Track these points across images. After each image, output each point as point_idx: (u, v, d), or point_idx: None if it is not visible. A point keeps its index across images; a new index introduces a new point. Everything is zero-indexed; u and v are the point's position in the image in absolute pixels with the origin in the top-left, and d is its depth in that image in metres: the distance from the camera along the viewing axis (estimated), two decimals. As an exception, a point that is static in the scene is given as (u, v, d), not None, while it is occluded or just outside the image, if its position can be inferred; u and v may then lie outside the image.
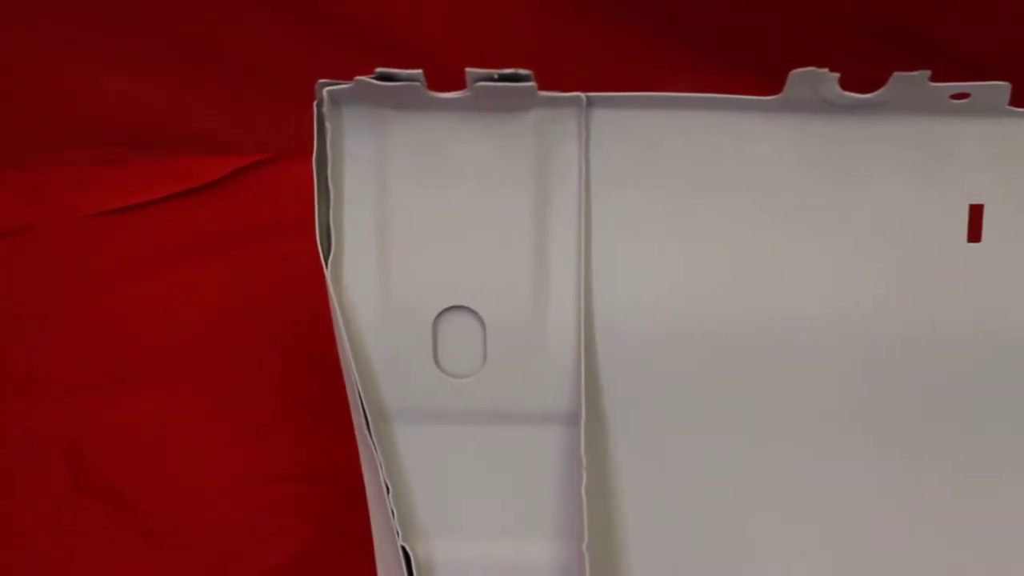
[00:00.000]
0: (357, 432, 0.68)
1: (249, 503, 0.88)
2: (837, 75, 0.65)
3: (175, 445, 0.89)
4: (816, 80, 0.65)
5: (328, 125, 0.67)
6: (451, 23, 0.87)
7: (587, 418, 0.68)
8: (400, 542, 0.68)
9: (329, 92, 0.66)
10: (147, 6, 0.88)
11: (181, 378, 0.90)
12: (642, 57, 0.86)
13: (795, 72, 0.65)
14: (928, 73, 0.64)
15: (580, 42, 0.86)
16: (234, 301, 0.90)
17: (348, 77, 0.66)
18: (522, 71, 0.65)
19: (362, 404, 0.67)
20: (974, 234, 0.69)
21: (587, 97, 0.67)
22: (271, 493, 0.88)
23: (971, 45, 0.80)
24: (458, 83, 0.66)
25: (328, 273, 0.67)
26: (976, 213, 0.69)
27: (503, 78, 0.65)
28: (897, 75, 0.65)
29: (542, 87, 0.67)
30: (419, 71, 0.65)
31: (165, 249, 0.91)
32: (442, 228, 0.69)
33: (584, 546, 0.67)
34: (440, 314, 0.69)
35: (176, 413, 0.89)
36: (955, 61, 0.79)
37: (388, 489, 0.67)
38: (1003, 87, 0.66)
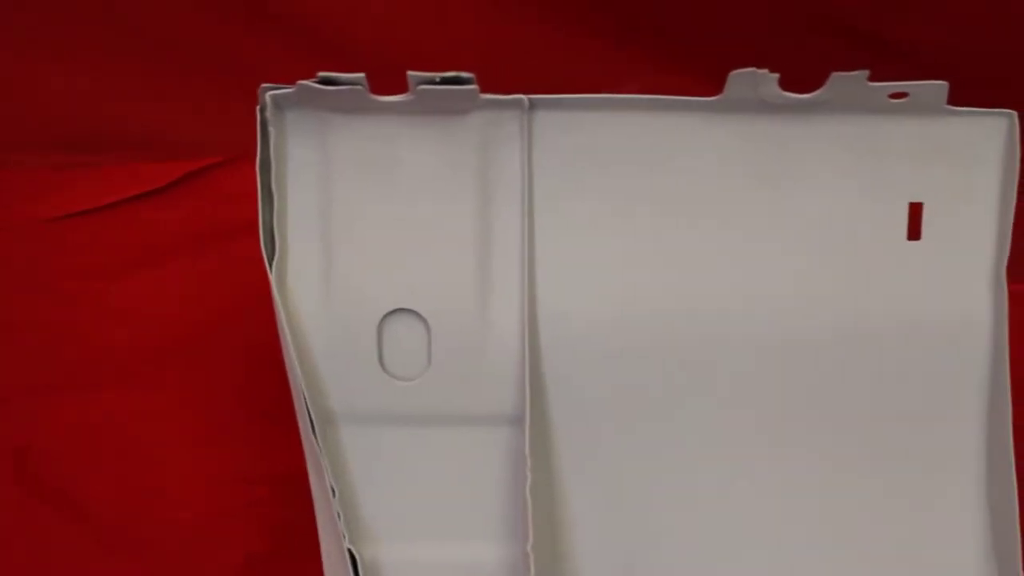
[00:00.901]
0: (303, 435, 0.68)
1: (206, 506, 0.88)
2: (776, 76, 0.66)
3: (131, 449, 0.89)
4: (755, 81, 0.65)
5: (271, 129, 0.67)
6: (403, 26, 0.87)
7: (531, 419, 0.69)
8: (346, 545, 0.68)
9: (272, 96, 0.66)
10: (101, 10, 0.88)
11: (138, 381, 0.90)
12: (591, 59, 0.86)
13: (734, 73, 0.65)
14: (866, 73, 0.65)
15: (529, 44, 0.86)
16: (191, 303, 0.90)
17: (300, 80, 0.66)
18: (464, 74, 0.65)
19: (307, 407, 0.67)
20: (914, 232, 0.70)
21: (529, 100, 0.68)
22: (228, 496, 0.88)
23: (919, 44, 0.80)
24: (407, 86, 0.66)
25: (272, 276, 0.68)
26: (915, 211, 0.70)
27: (445, 81, 0.65)
28: (835, 75, 0.65)
29: (490, 90, 0.67)
30: (361, 75, 0.65)
31: (122, 253, 0.91)
32: (386, 231, 0.69)
33: (529, 546, 0.67)
34: (385, 317, 0.70)
35: (132, 416, 0.89)
36: (904, 61, 0.79)
37: (334, 492, 0.67)
38: (941, 86, 0.66)
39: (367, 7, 0.88)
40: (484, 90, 0.67)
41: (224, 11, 0.88)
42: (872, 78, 0.65)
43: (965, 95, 0.68)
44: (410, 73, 0.65)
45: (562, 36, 0.85)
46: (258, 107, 0.67)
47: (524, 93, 0.68)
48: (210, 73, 0.89)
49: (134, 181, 0.91)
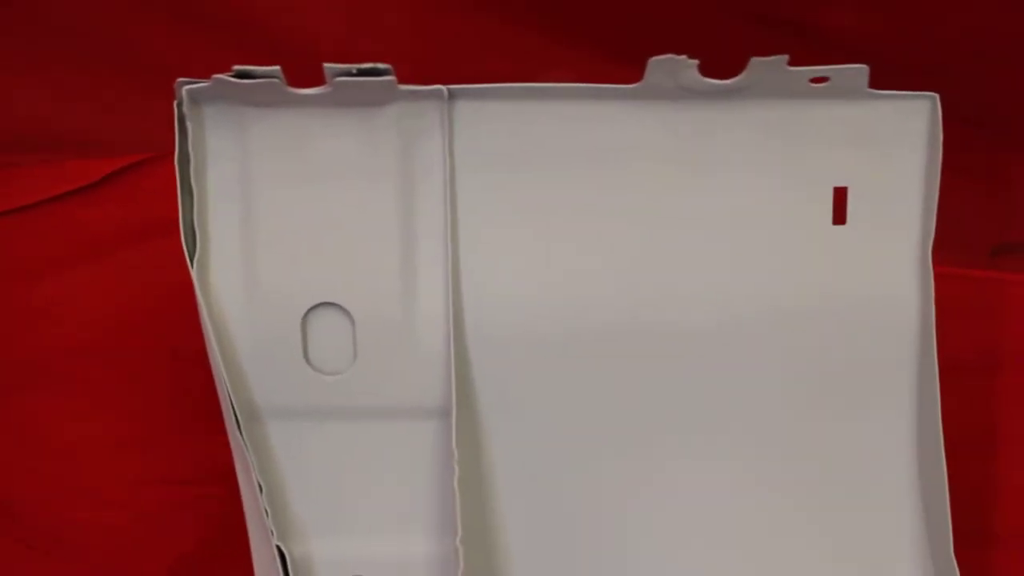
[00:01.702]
0: (229, 432, 0.68)
1: (135, 506, 0.87)
2: (696, 62, 0.65)
3: (57, 450, 0.88)
4: (675, 67, 0.65)
5: (189, 124, 0.67)
6: (329, 19, 0.86)
7: (458, 411, 0.68)
8: (275, 542, 0.67)
9: (188, 91, 0.66)
10: (25, 7, 0.87)
11: (62, 381, 0.89)
12: (515, 48, 0.86)
13: (653, 60, 0.65)
14: (785, 58, 0.65)
15: (452, 35, 0.85)
16: (117, 302, 0.88)
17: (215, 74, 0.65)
18: (381, 65, 0.65)
19: (232, 404, 0.66)
20: (839, 216, 0.70)
21: (448, 90, 0.67)
22: (161, 496, 0.87)
23: (841, 29, 0.80)
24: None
25: (194, 273, 0.67)
26: (840, 196, 0.70)
27: (362, 72, 0.65)
28: (755, 60, 0.65)
29: (420, 82, 0.67)
30: (277, 68, 0.65)
31: (48, 252, 0.90)
32: (308, 224, 0.69)
33: (458, 540, 0.67)
34: (309, 311, 0.69)
35: (57, 417, 0.88)
36: (828, 46, 0.79)
37: (261, 488, 0.67)
38: (861, 70, 0.66)
39: (298, 4, 0.88)
40: (408, 81, 0.66)
41: (148, 7, 0.87)
42: (797, 64, 0.65)
43: (888, 79, 0.68)
44: (326, 65, 0.64)
45: (485, 25, 0.84)
46: (175, 102, 0.66)
47: (448, 84, 0.68)
48: (137, 70, 0.88)
49: (60, 180, 0.89)
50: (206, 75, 0.66)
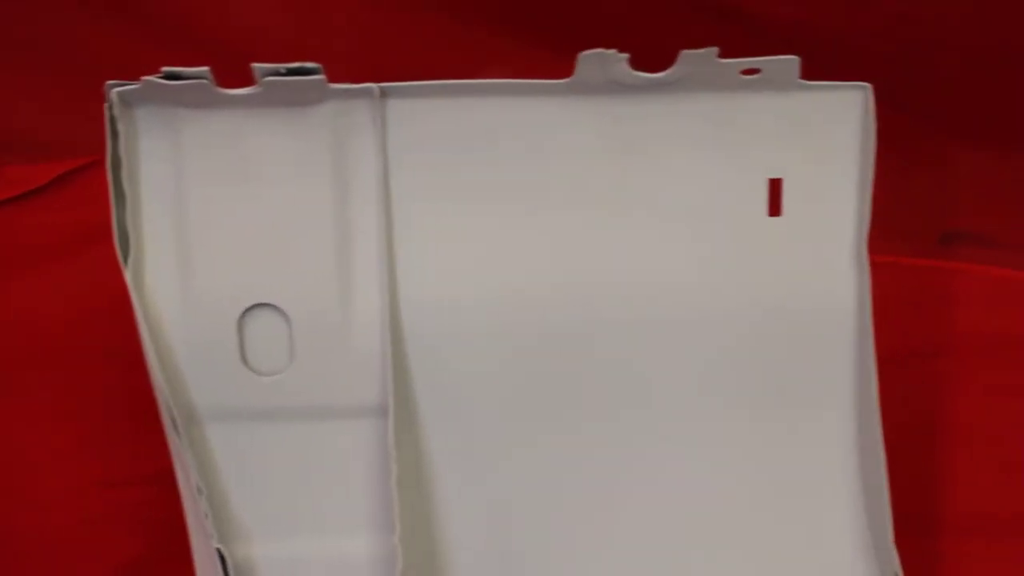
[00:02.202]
0: (167, 435, 0.68)
1: (77, 511, 0.87)
2: (626, 56, 0.65)
3: (3, 455, 0.87)
4: (605, 61, 0.65)
5: (120, 127, 0.66)
6: (274, 18, 0.86)
7: (396, 410, 0.68)
8: (215, 544, 0.67)
9: (119, 93, 0.66)
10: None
11: (4, 387, 0.88)
12: (468, 45, 0.86)
13: (583, 55, 0.65)
14: (716, 50, 0.65)
15: (404, 32, 0.85)
16: (62, 308, 0.88)
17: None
18: (310, 64, 0.65)
19: (170, 406, 0.66)
20: (774, 208, 0.70)
21: (380, 88, 0.67)
22: (104, 499, 0.87)
23: (775, 19, 0.80)
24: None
25: (128, 275, 0.67)
26: (775, 187, 0.70)
27: (291, 72, 0.65)
28: (685, 53, 0.65)
29: (367, 80, 0.66)
30: (206, 68, 0.64)
31: (-10, 258, 0.90)
32: (242, 225, 0.68)
33: (396, 538, 0.67)
34: (245, 312, 0.69)
35: (5, 422, 0.88)
36: (764, 35, 0.79)
37: (201, 491, 0.67)
38: (792, 61, 0.66)
39: (242, 4, 0.87)
40: (350, 80, 0.66)
41: (98, 8, 0.86)
42: (731, 54, 0.65)
43: (820, 69, 0.68)
44: (254, 65, 0.64)
45: (430, 22, 0.84)
46: (105, 104, 0.66)
47: (391, 81, 0.68)
48: (78, 71, 0.87)
49: (6, 184, 0.89)
50: (147, 76, 0.66)
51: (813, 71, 0.68)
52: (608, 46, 0.65)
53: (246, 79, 0.66)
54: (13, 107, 0.89)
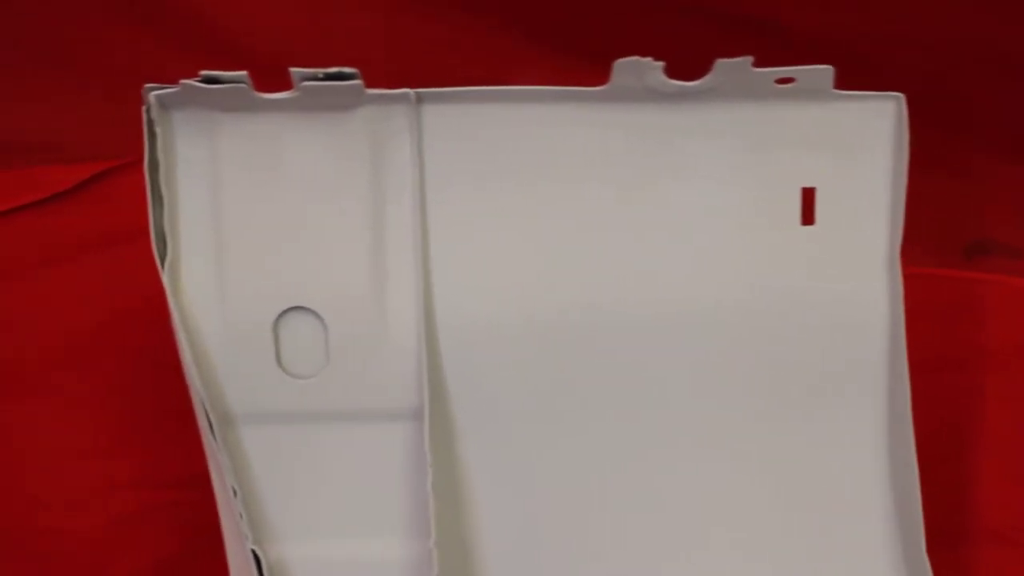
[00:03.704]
0: (203, 437, 0.68)
1: (112, 512, 0.87)
2: (661, 64, 0.66)
3: (23, 458, 0.88)
4: (640, 69, 0.66)
5: (158, 130, 0.67)
6: (299, 22, 0.87)
7: (431, 414, 0.68)
8: (250, 545, 0.67)
9: (156, 96, 0.66)
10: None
11: (27, 389, 0.89)
12: (493, 52, 0.86)
13: (619, 62, 0.65)
14: (750, 59, 0.65)
15: (419, 38, 0.86)
16: (94, 309, 0.88)
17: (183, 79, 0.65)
18: (347, 69, 0.65)
19: (205, 408, 0.67)
20: (807, 217, 0.70)
21: (416, 93, 0.67)
22: (134, 501, 0.87)
23: (804, 30, 0.80)
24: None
25: (165, 278, 0.67)
26: (808, 196, 0.70)
27: (328, 77, 0.65)
28: (720, 62, 0.65)
29: (393, 85, 0.67)
30: (244, 73, 0.65)
31: (21, 260, 0.90)
32: (279, 229, 0.69)
33: (432, 543, 0.67)
34: (280, 315, 0.69)
35: (22, 425, 0.88)
36: (789, 46, 0.80)
37: (235, 492, 0.67)
38: (826, 70, 0.67)
39: (268, 6, 0.88)
40: (377, 84, 0.67)
41: (125, 13, 0.87)
42: (758, 65, 0.66)
43: (847, 80, 0.69)
44: (293, 70, 0.64)
45: (455, 27, 0.85)
46: (143, 107, 0.66)
47: (417, 87, 0.68)
48: (102, 75, 0.88)
49: (33, 187, 0.89)
50: (173, 80, 0.66)
51: (840, 82, 0.68)
52: (633, 54, 0.65)
53: (272, 84, 0.66)
54: (42, 110, 0.90)
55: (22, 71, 0.89)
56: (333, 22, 0.87)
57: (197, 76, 0.65)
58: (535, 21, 0.84)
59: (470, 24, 0.85)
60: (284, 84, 0.66)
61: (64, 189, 0.89)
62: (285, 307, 0.69)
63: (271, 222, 0.68)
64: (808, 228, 0.70)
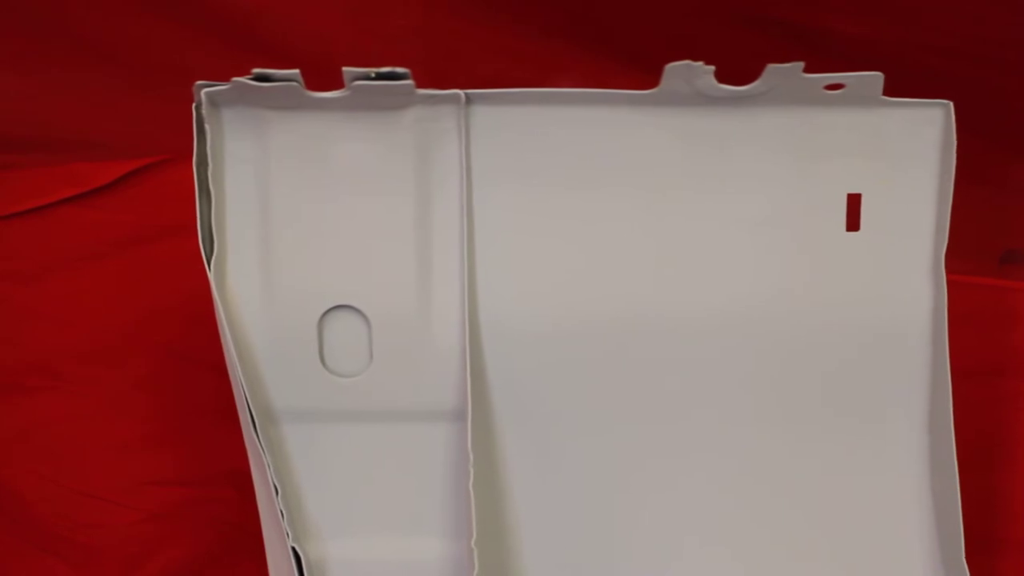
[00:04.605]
0: (245, 434, 0.68)
1: (148, 508, 0.88)
2: (712, 68, 0.66)
3: (64, 451, 0.88)
4: (691, 73, 0.66)
5: (208, 127, 0.67)
6: (338, 22, 0.87)
7: (474, 414, 0.68)
8: (290, 543, 0.67)
9: (207, 94, 0.66)
10: (34, 9, 0.87)
11: (76, 383, 0.89)
12: (530, 54, 0.86)
13: (670, 66, 0.65)
14: (801, 64, 0.65)
15: (467, 39, 0.86)
16: (132, 305, 0.89)
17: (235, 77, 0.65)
18: (399, 69, 0.65)
19: (248, 405, 0.66)
20: (852, 223, 0.70)
21: (466, 94, 0.67)
22: (170, 497, 0.88)
23: (852, 36, 0.80)
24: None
25: (211, 275, 0.67)
26: (854, 202, 0.70)
27: (380, 76, 0.65)
28: (771, 67, 0.65)
29: (429, 86, 0.67)
30: (296, 71, 0.65)
31: (60, 254, 0.90)
32: (325, 227, 0.69)
33: (472, 542, 0.67)
34: (325, 314, 0.69)
35: (64, 419, 0.89)
36: (837, 53, 0.80)
37: (277, 490, 0.67)
38: (876, 77, 0.67)
39: (306, 5, 0.88)
40: (421, 85, 0.67)
41: (163, 10, 0.87)
42: (806, 70, 0.66)
43: (901, 86, 0.69)
44: (345, 69, 0.64)
45: (493, 29, 0.85)
46: (194, 104, 0.66)
47: (457, 88, 0.68)
48: (150, 73, 0.88)
49: (72, 181, 0.90)
50: (213, 78, 0.66)
51: (887, 89, 0.68)
52: (676, 60, 0.66)
53: (311, 83, 0.66)
54: (80, 107, 0.90)
55: (62, 67, 0.89)
56: (371, 23, 0.87)
57: (248, 74, 0.65)
58: (570, 24, 0.84)
59: (504, 27, 0.85)
60: (324, 83, 0.66)
61: (103, 184, 0.89)
62: (330, 305, 0.69)
63: (317, 221, 0.69)
64: (853, 233, 0.70)
